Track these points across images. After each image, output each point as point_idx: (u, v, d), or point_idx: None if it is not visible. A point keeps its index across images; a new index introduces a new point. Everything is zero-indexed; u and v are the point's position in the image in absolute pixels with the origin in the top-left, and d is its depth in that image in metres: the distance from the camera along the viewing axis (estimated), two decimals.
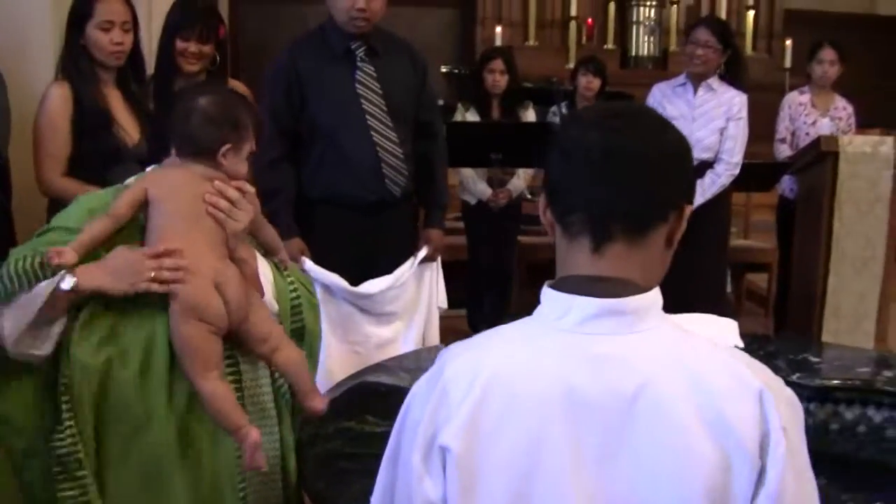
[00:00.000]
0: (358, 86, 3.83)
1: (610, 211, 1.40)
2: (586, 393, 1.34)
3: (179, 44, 3.79)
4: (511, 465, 1.35)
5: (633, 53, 10.07)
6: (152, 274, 2.14)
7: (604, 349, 1.37)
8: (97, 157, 3.55)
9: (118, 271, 2.15)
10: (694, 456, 1.32)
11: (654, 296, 1.42)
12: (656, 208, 1.42)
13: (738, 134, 4.97)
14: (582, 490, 1.33)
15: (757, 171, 5.62)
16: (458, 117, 5.84)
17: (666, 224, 1.43)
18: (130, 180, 3.52)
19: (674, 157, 1.45)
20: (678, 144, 1.46)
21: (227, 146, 2.28)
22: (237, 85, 4.29)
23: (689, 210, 1.46)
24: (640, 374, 1.35)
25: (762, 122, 5.80)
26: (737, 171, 5.00)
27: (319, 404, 2.30)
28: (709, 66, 4.92)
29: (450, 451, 1.36)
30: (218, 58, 3.88)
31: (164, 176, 2.33)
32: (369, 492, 2.02)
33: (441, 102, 7.32)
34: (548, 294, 1.43)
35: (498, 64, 5.75)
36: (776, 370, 2.95)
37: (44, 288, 2.09)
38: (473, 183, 5.72)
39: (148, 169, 3.56)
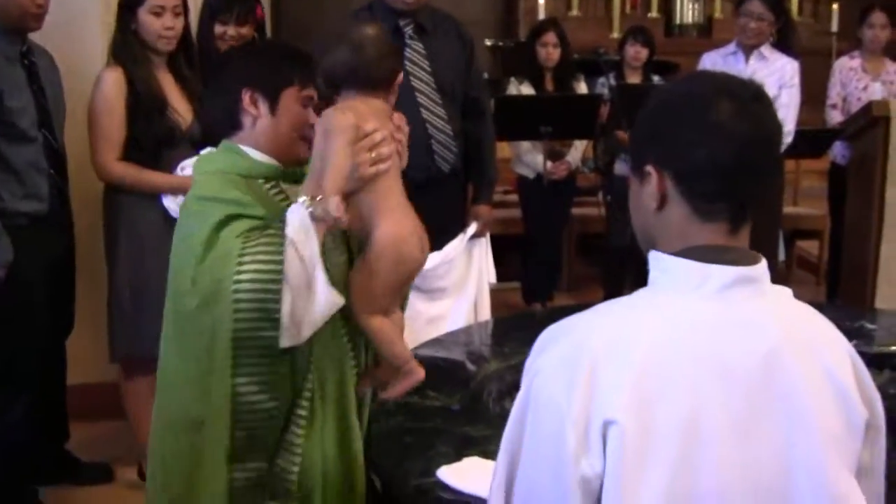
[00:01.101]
0: (407, 63, 3.84)
1: (753, 198, 1.47)
2: (732, 357, 1.40)
3: (218, 28, 3.83)
4: (677, 432, 1.37)
5: (678, 21, 10.01)
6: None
7: (743, 315, 1.42)
8: (152, 141, 3.61)
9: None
10: (819, 407, 1.42)
11: (765, 262, 1.48)
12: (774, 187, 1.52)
13: (791, 102, 4.93)
14: (738, 451, 1.39)
15: (808, 138, 5.57)
16: (511, 91, 5.84)
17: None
18: (187, 162, 3.59)
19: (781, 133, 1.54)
20: (778, 118, 1.53)
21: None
22: None
23: None
24: (773, 337, 1.42)
25: (810, 88, 5.75)
26: (791, 139, 4.96)
27: (422, 371, 2.32)
28: (762, 38, 4.89)
29: (616, 424, 1.36)
30: (257, 38, 3.90)
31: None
32: (433, 466, 2.07)
33: (486, 76, 7.35)
34: (678, 264, 1.46)
35: (551, 37, 5.75)
36: None
37: (313, 236, 2.07)
38: (532, 156, 5.71)
39: (203, 151, 3.62)
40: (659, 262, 1.49)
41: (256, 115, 2.24)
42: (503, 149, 6.00)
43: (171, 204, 3.61)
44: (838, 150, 5.89)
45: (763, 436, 1.40)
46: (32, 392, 3.60)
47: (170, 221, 3.60)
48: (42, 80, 3.56)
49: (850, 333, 3.03)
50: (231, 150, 2.25)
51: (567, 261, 6.67)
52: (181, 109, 3.68)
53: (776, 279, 1.48)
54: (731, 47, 5.01)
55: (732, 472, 1.39)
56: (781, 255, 6.40)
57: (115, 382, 3.84)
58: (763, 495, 1.40)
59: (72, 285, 3.84)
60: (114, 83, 3.58)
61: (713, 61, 5.07)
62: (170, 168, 3.63)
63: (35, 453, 3.67)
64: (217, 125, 2.31)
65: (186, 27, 3.74)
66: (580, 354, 1.41)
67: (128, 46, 3.60)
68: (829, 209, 6.21)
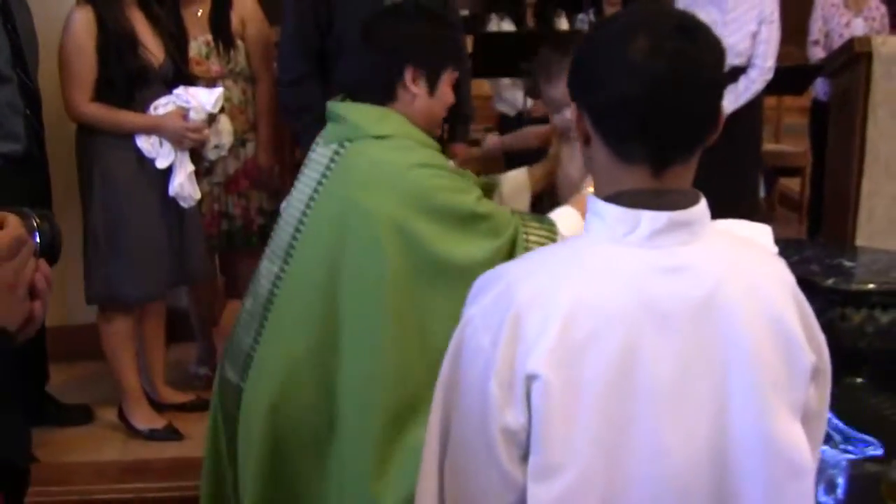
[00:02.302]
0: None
1: (674, 141, 1.40)
2: (666, 304, 1.36)
3: None
4: (605, 386, 1.34)
5: None
6: None
7: (677, 260, 1.38)
8: (124, 80, 3.56)
9: None
10: (761, 351, 1.38)
11: (705, 203, 1.43)
12: (711, 127, 1.42)
13: (771, 37, 4.86)
14: (674, 404, 1.36)
15: (789, 74, 5.52)
16: (492, 27, 5.73)
17: (712, 136, 1.43)
18: (161, 101, 3.55)
19: (721, 70, 1.44)
20: (722, 54, 1.43)
21: None
22: None
23: (723, 114, 1.45)
24: (709, 281, 1.38)
25: (794, 24, 5.70)
26: (770, 76, 4.90)
27: None
28: None
29: (539, 378, 1.33)
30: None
31: None
32: None
33: (466, 12, 7.23)
34: (608, 209, 1.41)
35: None
36: (811, 275, 3.02)
37: None
38: (512, 93, 5.66)
39: (176, 91, 3.58)
40: (592, 206, 1.45)
41: (417, 93, 2.27)
42: (483, 86, 5.94)
43: (145, 144, 3.57)
44: (820, 87, 5.87)
45: (700, 387, 1.37)
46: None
47: (144, 162, 3.58)
48: (15, 19, 3.49)
49: (828, 271, 3.10)
50: (405, 121, 2.27)
51: (549, 201, 6.63)
52: (153, 48, 3.62)
53: (756, 217, 1.47)
54: None
55: (668, 427, 1.36)
56: (762, 192, 6.39)
57: (94, 324, 3.82)
58: (700, 449, 1.37)
59: None
60: (83, 22, 3.52)
61: None
62: (143, 108, 3.59)
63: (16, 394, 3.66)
64: (364, 87, 2.30)
65: None
66: (506, 305, 1.39)
67: None
68: (810, 146, 6.20)
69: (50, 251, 1.26)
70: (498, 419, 1.36)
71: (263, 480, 2.21)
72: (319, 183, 2.25)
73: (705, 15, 4.74)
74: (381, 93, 2.27)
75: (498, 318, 1.38)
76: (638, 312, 1.35)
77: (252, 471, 2.21)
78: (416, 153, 2.22)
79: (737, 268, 1.41)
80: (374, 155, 2.20)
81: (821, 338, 1.47)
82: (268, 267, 2.30)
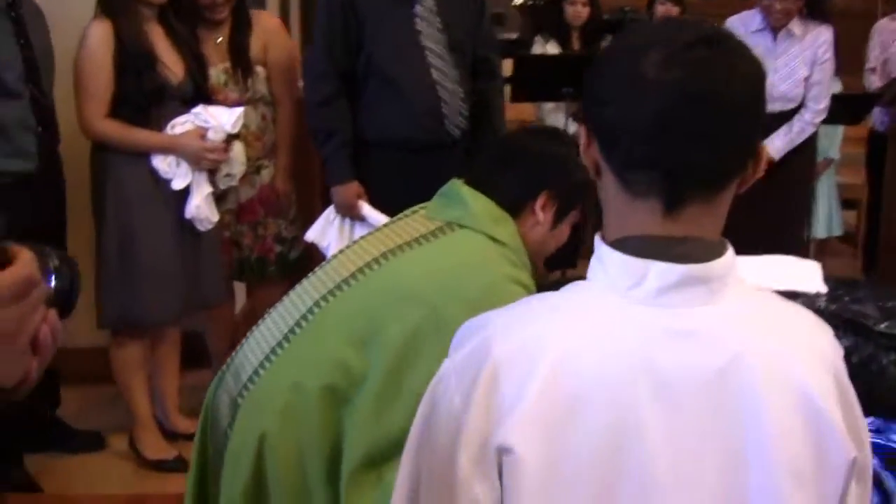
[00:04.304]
0: (418, 20, 3.64)
1: (689, 170, 1.17)
2: (670, 374, 1.15)
3: None
4: (593, 468, 1.14)
5: None
6: None
7: (688, 324, 1.17)
8: (140, 97, 3.45)
9: None
10: (783, 438, 1.16)
11: (733, 256, 1.21)
12: (739, 159, 1.20)
13: (824, 78, 4.61)
14: (678, 492, 1.15)
15: (846, 103, 5.29)
16: (536, 50, 5.65)
17: (745, 172, 1.21)
18: (178, 120, 3.44)
19: (758, 92, 1.21)
20: (759, 73, 1.21)
21: None
22: (265, 15, 4.13)
23: (764, 152, 1.24)
24: (726, 351, 1.16)
25: (852, 52, 5.50)
26: (825, 115, 4.67)
27: None
28: (790, 17, 4.53)
29: (512, 452, 1.14)
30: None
31: None
32: None
33: (515, 36, 7.08)
34: (612, 257, 1.20)
35: None
36: (862, 317, 2.81)
37: None
38: (554, 117, 5.51)
39: (195, 109, 3.47)
40: (597, 250, 1.24)
41: (541, 220, 2.15)
42: (525, 109, 5.81)
43: (161, 164, 3.46)
44: (877, 117, 5.67)
45: (707, 475, 1.16)
46: None
47: (159, 182, 3.47)
48: (29, 33, 3.39)
49: (882, 313, 2.90)
50: (519, 238, 2.14)
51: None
52: (172, 65, 3.51)
53: (806, 253, 1.24)
54: (758, 21, 4.59)
55: None
56: (824, 231, 6.15)
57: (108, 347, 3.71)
58: None
59: (62, 246, 3.69)
60: (100, 36, 3.41)
61: (736, 32, 4.73)
62: (160, 126, 3.48)
63: (22, 419, 3.56)
64: (494, 187, 2.15)
65: None
66: (482, 361, 1.18)
67: None
68: (867, 178, 5.98)
69: (65, 301, 1.03)
70: (466, 494, 1.17)
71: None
72: (409, 245, 2.11)
73: None
74: (508, 203, 2.14)
75: (472, 376, 1.18)
76: (635, 380, 1.15)
77: (239, 491, 2.06)
78: (521, 272, 2.09)
79: (763, 337, 1.19)
80: (476, 254, 2.08)
81: (863, 428, 1.24)
82: (308, 290, 2.16)
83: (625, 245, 1.20)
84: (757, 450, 1.16)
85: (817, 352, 1.22)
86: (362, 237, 2.26)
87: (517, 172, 2.18)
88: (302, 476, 2.02)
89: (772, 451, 1.15)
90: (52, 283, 1.01)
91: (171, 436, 3.77)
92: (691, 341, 1.16)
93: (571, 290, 1.26)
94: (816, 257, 5.52)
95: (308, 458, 2.01)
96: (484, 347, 1.19)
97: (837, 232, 6.77)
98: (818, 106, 4.62)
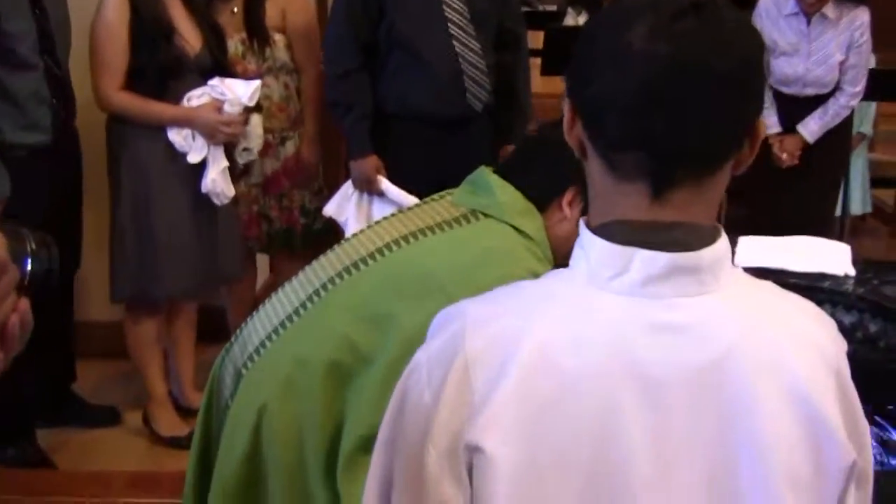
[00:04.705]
0: None
1: (679, 150, 1.07)
2: (656, 370, 1.07)
3: None
4: (573, 470, 1.06)
5: None
6: None
7: (675, 316, 1.08)
8: (157, 70, 3.39)
9: None
10: (778, 440, 1.08)
11: (726, 243, 1.12)
12: (734, 137, 1.10)
13: (861, 61, 4.50)
14: (659, 490, 1.07)
15: (882, 79, 5.13)
16: (568, 22, 5.53)
17: (740, 151, 1.12)
18: (195, 93, 3.37)
19: (755, 64, 1.11)
20: (754, 43, 1.11)
21: None
22: None
23: (762, 128, 1.14)
24: (717, 346, 1.08)
25: (887, 27, 5.33)
26: (861, 96, 4.59)
27: None
28: (823, 3, 4.42)
29: (483, 454, 1.06)
30: None
31: None
32: None
33: (554, 8, 6.95)
34: (595, 244, 1.11)
35: None
36: (889, 301, 2.73)
37: None
38: None
39: (211, 82, 3.40)
40: (581, 236, 1.15)
41: (567, 216, 2.07)
42: (556, 83, 5.71)
43: (177, 137, 3.40)
44: None
45: (693, 477, 1.07)
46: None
47: (175, 155, 3.41)
48: (45, 3, 3.33)
49: None
50: (544, 232, 2.07)
51: None
52: (189, 37, 3.44)
53: (839, 232, 1.13)
54: (792, 5, 4.47)
55: None
56: (858, 208, 6.03)
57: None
58: None
59: (78, 219, 3.66)
60: (116, 7, 3.34)
61: (771, 19, 4.53)
62: (176, 99, 3.42)
63: (36, 394, 3.53)
64: (522, 178, 2.09)
65: None
66: (453, 355, 1.10)
67: None
68: None
69: (41, 286, 0.95)
70: (435, 493, 1.10)
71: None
72: (431, 230, 2.04)
73: (785, 42, 4.45)
74: (535, 196, 2.07)
75: (442, 370, 1.10)
76: (618, 377, 1.06)
77: (233, 467, 2.01)
78: (545, 268, 2.00)
79: (757, 331, 1.10)
80: (499, 245, 2.01)
81: (864, 430, 1.15)
82: (324, 266, 2.10)
83: (608, 231, 1.11)
84: (749, 452, 1.07)
85: (817, 348, 1.13)
86: (384, 217, 2.19)
87: (547, 166, 2.10)
88: (299, 454, 1.96)
89: (765, 454, 1.07)
90: (28, 267, 0.93)
91: (186, 412, 3.73)
92: (678, 336, 1.08)
93: (551, 280, 1.18)
94: (850, 236, 5.43)
95: (307, 436, 1.95)
96: (456, 340, 1.11)
97: (867, 209, 6.64)
98: (854, 89, 4.52)
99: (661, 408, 1.07)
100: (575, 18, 5.52)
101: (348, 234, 3.64)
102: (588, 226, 1.14)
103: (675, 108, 1.05)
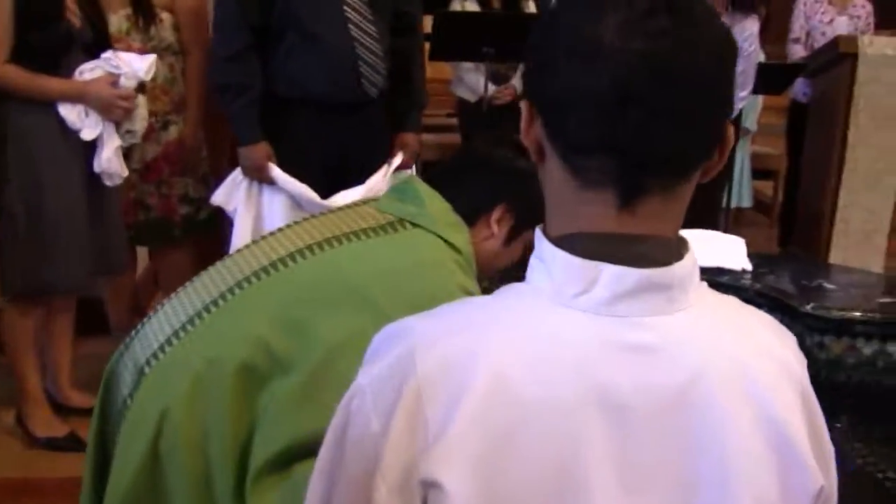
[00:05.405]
0: None
1: (650, 155, 0.99)
2: (623, 394, 0.98)
3: None
4: (534, 498, 0.97)
5: None
6: None
7: (644, 336, 1.00)
8: (48, 43, 3.18)
9: None
10: (748, 465, 1.01)
11: (694, 257, 1.04)
12: (706, 143, 1.02)
13: (749, 67, 4.76)
14: None
15: (768, 73, 5.22)
16: (455, 6, 5.43)
17: (710, 159, 1.04)
18: (87, 66, 3.17)
19: (728, 67, 1.02)
20: (729, 45, 1.03)
21: None
22: None
23: (731, 134, 1.06)
24: (686, 367, 1.00)
25: (775, 21, 5.43)
26: (747, 99, 4.85)
27: None
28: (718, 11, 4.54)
29: (439, 489, 0.96)
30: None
31: None
32: None
33: None
34: (556, 257, 1.02)
35: None
36: (787, 297, 2.74)
37: None
38: (473, 76, 5.32)
39: (104, 55, 3.21)
40: (538, 247, 1.06)
41: (494, 233, 2.04)
42: (444, 69, 5.63)
43: (70, 114, 3.20)
44: (799, 87, 5.63)
45: (665, 486, 1.00)
46: None
47: (66, 133, 3.21)
48: None
49: (806, 294, 2.82)
50: (471, 247, 2.01)
51: None
52: (72, 8, 3.24)
53: (723, 224, 1.06)
54: None
55: None
56: (735, 201, 6.14)
57: None
58: None
59: None
60: None
61: None
62: (66, 73, 3.22)
63: None
64: (451, 191, 2.03)
65: None
66: (403, 378, 0.99)
67: None
68: (786, 149, 5.95)
69: None
70: None
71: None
72: (356, 235, 1.96)
73: None
74: (463, 210, 2.01)
75: (391, 395, 1.00)
76: (583, 402, 0.98)
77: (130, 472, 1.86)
78: (473, 283, 1.96)
79: (726, 352, 1.03)
80: (430, 256, 1.93)
81: (830, 452, 1.10)
82: (238, 263, 1.98)
83: (572, 243, 1.02)
84: (718, 478, 1.00)
85: (784, 366, 1.06)
86: (304, 219, 2.09)
87: (477, 181, 2.07)
88: (204, 462, 1.83)
89: (734, 479, 1.00)
90: None
91: (62, 410, 3.54)
92: (647, 357, 0.99)
93: (507, 296, 1.07)
94: (732, 228, 5.50)
95: (213, 442, 1.82)
96: (405, 361, 1.00)
97: (747, 203, 6.76)
98: (741, 93, 4.72)
99: (628, 435, 0.98)
100: (462, 4, 5.45)
101: (237, 223, 3.51)
102: (546, 236, 1.05)
103: (647, 109, 0.96)
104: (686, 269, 1.02)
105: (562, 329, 0.99)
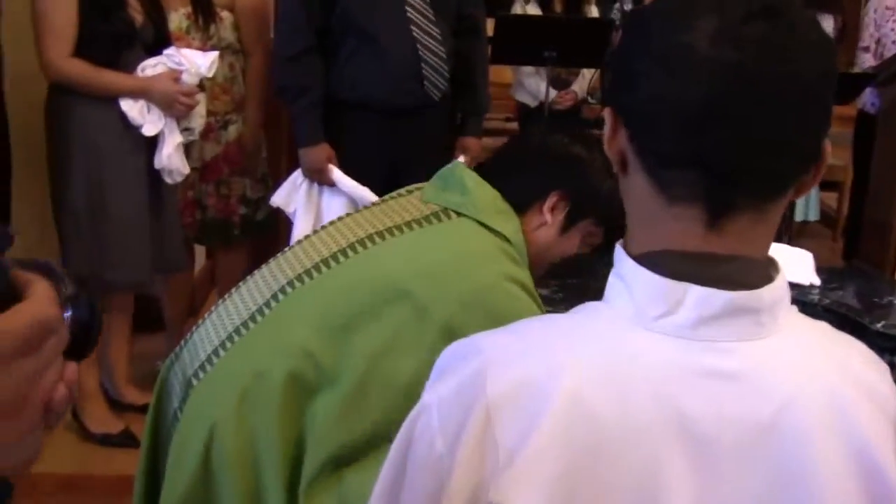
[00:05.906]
0: None
1: (742, 170, 0.94)
2: (706, 425, 0.94)
3: None
4: None
5: None
6: None
7: (730, 363, 0.95)
8: (110, 38, 3.18)
9: None
10: (835, 499, 0.95)
11: (785, 280, 0.99)
12: (802, 161, 0.97)
13: None
14: None
15: (837, 82, 5.09)
16: (517, 10, 5.40)
17: (805, 176, 0.98)
18: (149, 62, 3.17)
19: (829, 79, 0.96)
20: (831, 52, 0.97)
21: None
22: None
23: (829, 150, 1.00)
24: (776, 397, 0.95)
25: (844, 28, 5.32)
26: None
27: None
28: None
29: None
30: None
31: None
32: None
33: None
34: (639, 276, 0.98)
35: None
36: (857, 314, 2.67)
37: None
38: (534, 81, 5.27)
39: (167, 51, 3.21)
40: (619, 264, 1.01)
41: (548, 222, 1.95)
42: (504, 73, 5.59)
43: (131, 109, 3.19)
44: (868, 97, 5.46)
45: None
46: None
47: (128, 129, 3.21)
48: None
49: (876, 311, 2.74)
50: (522, 236, 1.94)
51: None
52: (134, 5, 3.24)
53: (786, 237, 1.00)
54: None
55: None
56: (800, 214, 6.02)
57: None
58: None
59: (6, 200, 3.42)
60: None
61: None
62: (127, 70, 3.21)
63: None
64: (502, 178, 1.98)
65: None
66: (473, 399, 0.95)
67: None
68: (852, 160, 5.82)
69: (82, 342, 0.71)
70: None
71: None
72: (399, 229, 1.91)
73: None
74: (514, 197, 1.95)
75: (460, 415, 0.96)
76: (662, 431, 0.93)
77: (181, 490, 1.83)
78: (522, 271, 1.89)
79: (819, 381, 0.98)
80: (472, 247, 1.87)
81: None
82: (282, 267, 1.95)
83: (657, 262, 0.97)
84: None
85: (878, 398, 1.00)
86: (347, 214, 2.05)
87: (529, 168, 1.99)
88: (255, 475, 1.80)
89: None
90: (68, 315, 0.70)
91: (118, 407, 3.54)
92: (732, 385, 0.95)
93: (585, 315, 1.03)
94: (794, 240, 5.39)
95: (264, 456, 1.79)
96: (475, 382, 0.97)
97: (814, 216, 6.64)
98: None
99: (709, 467, 0.94)
100: (523, 7, 5.40)
101: (296, 225, 3.49)
102: (628, 253, 1.00)
103: (741, 123, 0.92)
104: (776, 292, 0.97)
105: (642, 352, 0.95)
